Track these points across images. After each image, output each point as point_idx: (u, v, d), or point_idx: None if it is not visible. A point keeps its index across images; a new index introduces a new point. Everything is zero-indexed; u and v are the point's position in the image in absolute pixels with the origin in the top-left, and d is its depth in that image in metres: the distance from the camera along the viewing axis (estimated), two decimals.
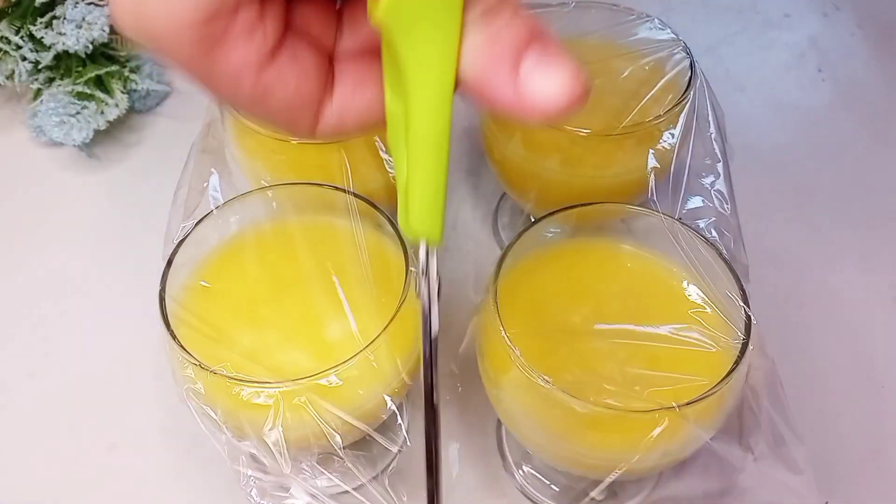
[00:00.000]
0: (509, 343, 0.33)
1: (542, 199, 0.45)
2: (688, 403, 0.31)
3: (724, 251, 0.37)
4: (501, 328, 0.33)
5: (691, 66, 0.44)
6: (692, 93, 0.43)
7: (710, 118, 0.44)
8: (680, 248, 0.38)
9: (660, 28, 0.46)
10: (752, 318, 0.34)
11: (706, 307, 0.37)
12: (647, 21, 0.46)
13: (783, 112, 0.62)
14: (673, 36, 0.46)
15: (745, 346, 0.33)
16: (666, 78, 0.45)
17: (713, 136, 0.44)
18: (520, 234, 0.37)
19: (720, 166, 0.43)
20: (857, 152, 0.59)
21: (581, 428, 0.32)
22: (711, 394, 0.31)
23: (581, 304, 0.38)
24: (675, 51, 0.45)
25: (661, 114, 0.42)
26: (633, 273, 0.39)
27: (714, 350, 0.35)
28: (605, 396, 0.33)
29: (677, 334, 0.36)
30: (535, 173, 0.44)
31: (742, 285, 0.35)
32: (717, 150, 0.44)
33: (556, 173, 0.43)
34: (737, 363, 0.32)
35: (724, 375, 0.32)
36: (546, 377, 0.32)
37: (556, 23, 0.47)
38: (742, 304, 0.35)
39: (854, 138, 0.60)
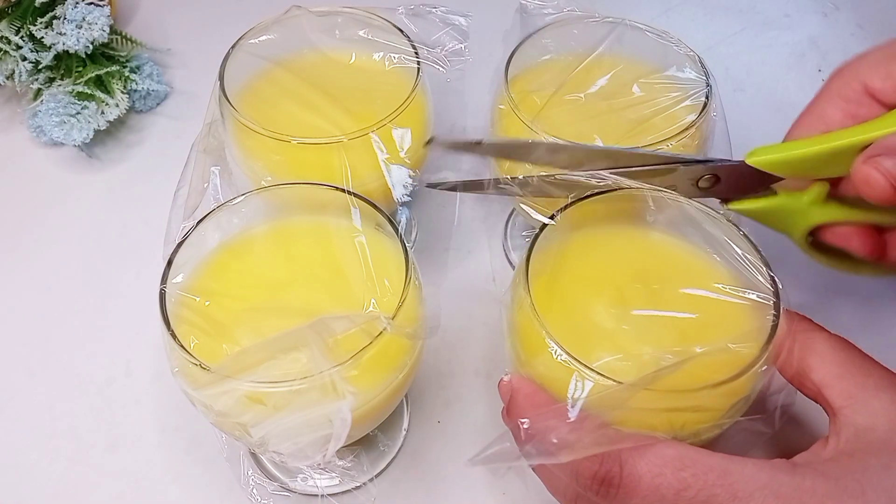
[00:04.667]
0: (547, 333, 0.33)
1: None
2: (727, 380, 0.32)
3: (743, 229, 0.37)
4: (537, 316, 0.34)
5: (707, 93, 0.44)
6: (707, 113, 0.43)
7: (726, 140, 0.45)
8: (700, 228, 0.38)
9: (700, 65, 0.46)
10: (778, 283, 0.35)
11: (728, 281, 0.37)
12: (690, 55, 0.46)
13: (783, 112, 0.62)
14: (704, 76, 0.45)
15: (777, 305, 0.34)
16: (684, 103, 0.45)
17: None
18: (542, 227, 0.37)
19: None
20: None
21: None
22: (757, 362, 0.32)
23: (602, 290, 0.38)
24: (701, 84, 0.45)
25: (672, 136, 0.42)
26: (652, 257, 0.39)
27: (746, 304, 0.36)
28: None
29: (700, 311, 0.37)
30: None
31: (763, 254, 0.36)
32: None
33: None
34: (775, 325, 0.33)
35: (765, 341, 0.33)
36: (589, 365, 0.32)
37: (594, 35, 0.47)
38: (766, 268, 0.36)
39: None
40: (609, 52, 0.47)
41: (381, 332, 0.33)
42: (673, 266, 0.39)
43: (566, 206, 0.38)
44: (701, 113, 0.43)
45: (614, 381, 0.32)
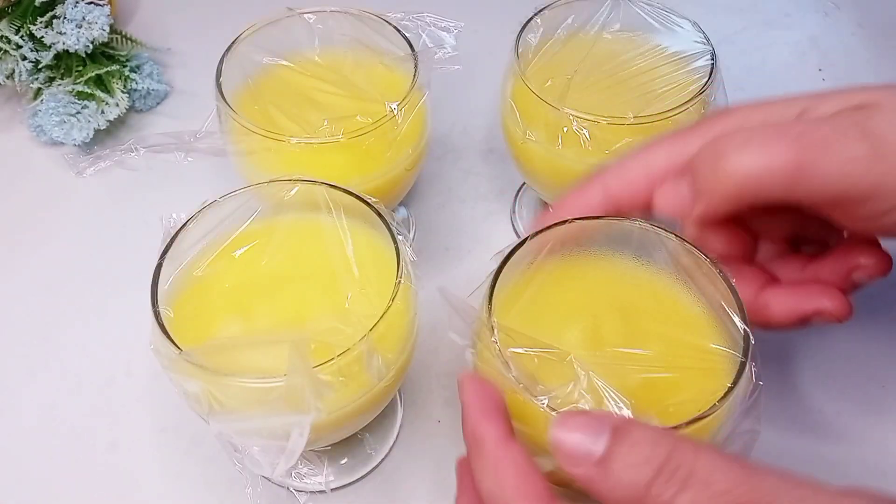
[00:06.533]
0: (504, 364, 0.32)
1: (562, 188, 0.44)
2: (682, 425, 0.30)
3: (723, 268, 0.35)
4: (497, 349, 0.33)
5: (712, 64, 0.45)
6: (711, 87, 0.44)
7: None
8: (678, 264, 0.37)
9: (696, 31, 0.47)
10: (751, 336, 0.33)
11: (704, 326, 0.36)
12: (683, 20, 0.48)
13: None
14: (703, 39, 0.47)
15: (742, 365, 0.33)
16: (689, 67, 0.46)
17: None
18: (513, 251, 0.36)
19: None
20: None
21: None
22: (705, 416, 0.31)
23: (576, 321, 0.37)
24: (703, 52, 0.46)
25: (678, 105, 0.42)
26: (630, 290, 0.38)
27: (711, 370, 0.34)
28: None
29: (673, 355, 0.35)
30: (553, 161, 0.45)
31: (741, 303, 0.34)
32: None
33: (574, 162, 0.43)
34: (734, 384, 0.32)
35: (720, 397, 0.31)
36: (542, 397, 0.31)
37: (593, 13, 0.48)
38: (741, 322, 0.34)
39: None
40: (610, 30, 0.49)
41: (361, 340, 0.32)
42: (651, 306, 0.37)
43: (547, 228, 0.36)
44: (709, 79, 0.44)
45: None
